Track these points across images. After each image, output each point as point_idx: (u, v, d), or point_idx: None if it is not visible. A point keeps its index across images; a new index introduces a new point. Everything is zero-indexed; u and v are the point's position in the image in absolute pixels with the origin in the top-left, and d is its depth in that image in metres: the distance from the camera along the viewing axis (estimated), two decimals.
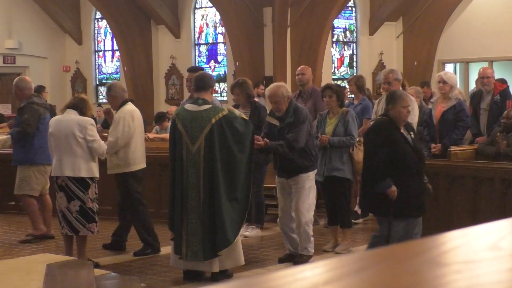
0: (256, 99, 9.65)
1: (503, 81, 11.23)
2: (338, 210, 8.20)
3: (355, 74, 17.49)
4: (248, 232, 9.04)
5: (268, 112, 8.22)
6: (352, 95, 10.60)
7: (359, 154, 7.94)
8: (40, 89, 15.17)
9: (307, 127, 7.61)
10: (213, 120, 6.89)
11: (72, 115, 7.51)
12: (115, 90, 8.15)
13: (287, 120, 7.54)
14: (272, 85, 7.80)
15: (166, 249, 7.86)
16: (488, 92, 9.58)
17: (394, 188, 6.51)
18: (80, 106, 7.56)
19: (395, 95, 6.89)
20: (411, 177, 6.58)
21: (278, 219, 7.90)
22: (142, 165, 8.20)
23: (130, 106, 8.12)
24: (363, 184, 7.02)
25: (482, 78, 9.78)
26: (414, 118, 8.40)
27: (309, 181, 7.64)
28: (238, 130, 6.95)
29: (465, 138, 9.50)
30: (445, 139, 8.86)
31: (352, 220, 9.88)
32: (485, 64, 18.56)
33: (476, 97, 9.83)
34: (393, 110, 6.71)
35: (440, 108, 8.94)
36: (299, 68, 9.95)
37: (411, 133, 6.82)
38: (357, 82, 10.03)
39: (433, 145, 8.84)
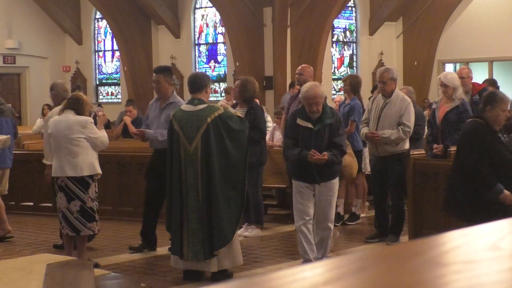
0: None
1: (492, 82, 11.09)
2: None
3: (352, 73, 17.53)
4: (248, 232, 9.03)
5: (291, 113, 7.72)
6: (344, 94, 10.47)
7: (345, 158, 7.67)
8: (76, 90, 15.53)
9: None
10: (209, 120, 6.92)
11: (71, 116, 7.52)
12: (56, 89, 8.78)
13: (326, 121, 7.10)
14: (309, 85, 7.32)
15: (166, 249, 7.86)
16: (466, 93, 9.29)
17: (507, 192, 6.17)
18: (76, 107, 7.57)
19: (496, 97, 6.44)
20: (508, 180, 6.24)
21: (303, 224, 7.23)
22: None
23: (56, 110, 8.11)
24: (462, 191, 6.39)
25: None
26: (411, 119, 8.36)
27: (337, 186, 7.42)
28: (234, 128, 6.98)
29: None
30: (447, 140, 8.78)
31: (351, 222, 9.89)
32: (485, 64, 18.61)
33: None
34: (491, 112, 6.32)
35: (444, 109, 8.75)
36: (299, 68, 9.77)
37: (505, 135, 6.49)
38: (352, 81, 9.89)
39: (435, 145, 8.79)
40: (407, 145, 8.49)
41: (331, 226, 7.35)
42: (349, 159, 7.75)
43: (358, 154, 9.31)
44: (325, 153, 7.00)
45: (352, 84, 9.80)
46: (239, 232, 7.99)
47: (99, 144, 7.55)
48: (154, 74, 8.41)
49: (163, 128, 7.97)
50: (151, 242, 8.32)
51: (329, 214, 7.28)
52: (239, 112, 8.17)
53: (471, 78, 9.60)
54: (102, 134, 7.64)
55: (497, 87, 11.32)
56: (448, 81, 8.72)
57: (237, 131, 7.00)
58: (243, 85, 9.00)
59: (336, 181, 7.30)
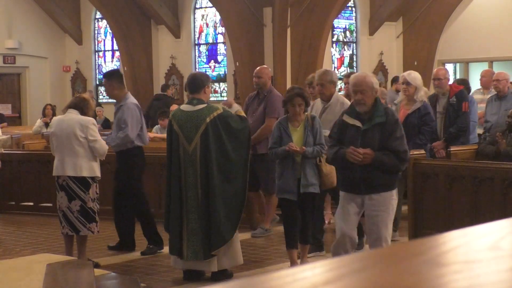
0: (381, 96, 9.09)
1: (463, 82, 10.91)
2: (306, 227, 7.22)
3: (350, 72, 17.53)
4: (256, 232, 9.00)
5: (342, 110, 6.87)
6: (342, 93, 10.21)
7: (326, 165, 7.05)
8: (165, 88, 15.93)
9: None
10: (208, 120, 6.92)
11: (74, 115, 7.53)
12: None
13: (376, 120, 6.02)
14: (359, 73, 6.90)
15: (166, 249, 7.86)
16: (443, 95, 9.07)
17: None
18: (81, 106, 7.58)
19: None
20: None
21: (333, 245, 6.36)
22: None
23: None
24: None
25: (434, 80, 9.22)
26: None
27: (393, 201, 6.14)
28: (233, 127, 6.99)
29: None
30: (408, 144, 8.33)
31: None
32: (485, 64, 18.60)
33: (432, 100, 9.22)
34: None
35: (404, 111, 8.38)
36: (256, 70, 9.25)
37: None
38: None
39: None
40: None
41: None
42: (329, 167, 7.03)
43: None
44: (369, 150, 5.92)
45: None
46: None
47: (97, 147, 7.49)
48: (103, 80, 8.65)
49: (116, 130, 8.18)
50: (157, 242, 8.30)
51: (381, 235, 6.07)
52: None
53: (448, 80, 9.35)
54: (103, 143, 7.59)
55: (468, 88, 11.23)
56: (411, 79, 8.49)
57: (237, 130, 7.01)
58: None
59: (390, 194, 6.07)
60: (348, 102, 7.65)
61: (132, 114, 8.11)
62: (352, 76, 6.42)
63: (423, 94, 8.57)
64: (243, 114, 7.40)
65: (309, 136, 7.09)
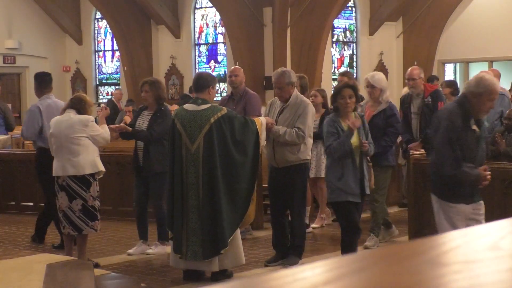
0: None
1: (451, 84, 10.67)
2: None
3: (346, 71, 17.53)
4: (151, 249, 8.23)
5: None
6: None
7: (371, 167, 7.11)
8: (190, 90, 16.20)
9: None
10: (212, 120, 6.91)
11: (72, 115, 7.54)
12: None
13: (485, 123, 5.94)
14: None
15: (166, 249, 7.86)
16: (417, 95, 8.82)
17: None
18: (78, 107, 7.58)
19: None
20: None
21: None
22: None
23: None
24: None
25: (408, 80, 8.92)
26: (306, 122, 7.54)
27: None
28: (238, 128, 6.97)
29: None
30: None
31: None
32: (485, 64, 18.60)
33: (406, 100, 9.00)
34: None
35: (370, 112, 8.14)
36: (231, 69, 9.16)
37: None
38: (301, 82, 9.16)
39: None
40: (308, 155, 7.64)
41: None
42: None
43: None
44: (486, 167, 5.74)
45: (301, 85, 9.14)
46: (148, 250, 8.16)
47: (101, 140, 7.61)
48: None
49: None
50: (41, 237, 8.96)
51: None
52: (148, 115, 8.16)
53: (423, 79, 9.06)
54: (104, 131, 7.67)
55: (456, 89, 11.13)
56: (375, 81, 8.25)
57: (241, 131, 6.99)
58: (154, 85, 8.34)
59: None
60: (307, 101, 7.62)
61: (29, 115, 8.69)
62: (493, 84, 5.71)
63: (388, 95, 8.34)
64: (259, 122, 7.23)
65: (363, 135, 6.90)
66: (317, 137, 8.53)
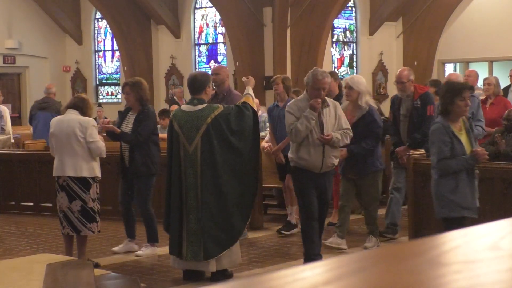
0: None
1: (436, 83, 10.63)
2: None
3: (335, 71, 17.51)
4: (141, 251, 8.19)
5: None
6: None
7: None
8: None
9: None
10: (209, 120, 6.92)
11: (73, 115, 7.53)
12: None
13: None
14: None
15: (166, 249, 7.86)
16: (407, 97, 8.58)
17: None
18: (80, 106, 7.57)
19: None
20: None
21: None
22: None
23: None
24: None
25: (397, 83, 8.71)
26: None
27: None
28: (235, 121, 6.98)
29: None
30: (353, 146, 7.93)
31: (286, 231, 9.06)
32: (485, 64, 18.61)
33: (396, 102, 8.78)
34: None
35: (350, 118, 7.85)
36: (214, 67, 9.02)
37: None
38: (285, 82, 9.12)
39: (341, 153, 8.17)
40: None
41: None
42: None
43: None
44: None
45: (285, 86, 9.09)
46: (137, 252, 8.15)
47: (94, 148, 7.48)
48: None
49: None
50: None
51: None
52: (132, 117, 8.09)
53: (412, 82, 8.71)
54: (100, 142, 7.57)
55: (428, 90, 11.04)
56: (353, 83, 8.09)
57: (239, 123, 7.01)
58: (135, 87, 8.17)
59: None
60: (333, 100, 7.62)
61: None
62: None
63: (369, 99, 8.15)
64: (250, 100, 7.23)
65: (474, 141, 6.34)
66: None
